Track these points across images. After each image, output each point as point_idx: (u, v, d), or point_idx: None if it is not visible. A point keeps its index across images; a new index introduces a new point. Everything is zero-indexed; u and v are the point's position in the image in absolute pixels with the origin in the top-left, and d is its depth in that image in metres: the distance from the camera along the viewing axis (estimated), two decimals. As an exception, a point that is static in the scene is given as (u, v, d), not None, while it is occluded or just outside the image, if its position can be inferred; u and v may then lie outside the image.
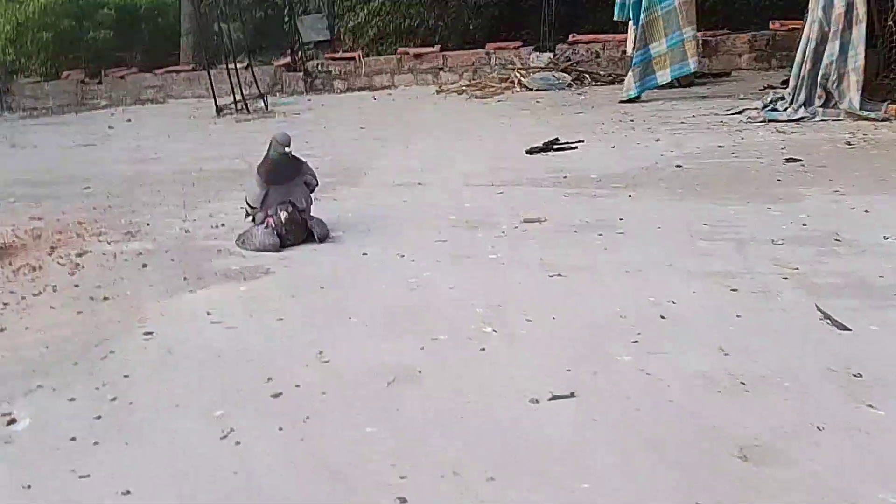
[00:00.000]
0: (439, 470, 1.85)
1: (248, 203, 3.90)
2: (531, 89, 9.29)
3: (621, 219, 3.80)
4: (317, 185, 3.91)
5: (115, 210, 4.82)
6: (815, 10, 5.92)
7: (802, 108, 5.98)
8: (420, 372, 2.36)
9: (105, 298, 3.20)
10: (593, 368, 2.30)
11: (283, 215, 3.62)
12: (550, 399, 2.14)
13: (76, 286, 3.38)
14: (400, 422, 2.09)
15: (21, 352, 2.71)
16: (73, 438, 2.11)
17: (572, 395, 2.15)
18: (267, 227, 3.70)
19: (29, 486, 1.89)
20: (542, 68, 9.85)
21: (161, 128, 8.90)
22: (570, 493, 1.73)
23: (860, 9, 5.65)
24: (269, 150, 3.79)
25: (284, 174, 3.76)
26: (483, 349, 2.49)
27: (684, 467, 1.79)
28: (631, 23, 7.98)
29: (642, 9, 7.54)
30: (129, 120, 9.95)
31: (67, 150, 7.70)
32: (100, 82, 12.66)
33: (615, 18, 8.17)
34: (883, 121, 5.62)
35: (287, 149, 3.71)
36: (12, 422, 2.21)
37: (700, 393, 2.12)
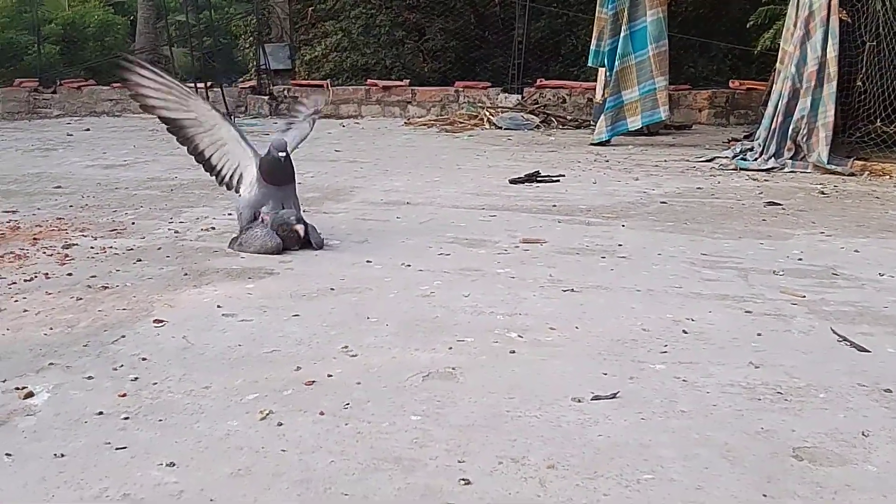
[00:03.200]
0: (497, 457, 1.81)
1: (245, 207, 3.82)
2: (500, 128, 9.43)
3: (620, 245, 3.86)
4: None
5: (94, 209, 4.68)
6: (788, 67, 6.21)
7: (772, 158, 6.21)
8: (454, 369, 2.33)
9: (104, 288, 3.08)
10: (629, 374, 2.31)
11: (301, 228, 3.63)
12: (593, 399, 2.13)
13: (69, 275, 3.25)
14: (445, 412, 2.05)
15: (23, 332, 2.58)
16: (100, 413, 2.00)
17: (615, 395, 2.15)
18: (267, 226, 3.64)
19: (62, 455, 1.78)
20: (510, 108, 10.02)
21: (124, 138, 8.70)
22: (634, 483, 1.72)
23: (832, 68, 5.95)
24: (267, 154, 3.78)
25: (282, 177, 3.79)
26: (513, 351, 2.48)
27: (744, 463, 1.80)
28: (604, 69, 8.22)
29: (616, 57, 7.76)
30: (88, 129, 9.71)
31: (28, 154, 7.44)
32: (54, 92, 12.32)
33: (589, 64, 8.41)
34: (849, 175, 5.88)
35: (282, 154, 3.73)
36: (29, 395, 2.10)
37: (741, 400, 2.14)
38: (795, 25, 6.31)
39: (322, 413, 2.02)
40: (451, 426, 1.97)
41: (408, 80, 11.34)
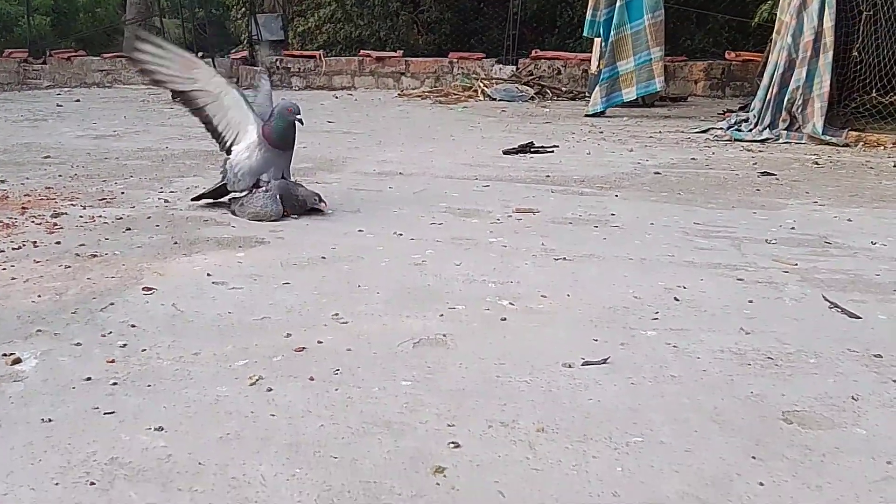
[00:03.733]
0: (487, 421, 1.81)
1: (246, 174, 3.78)
2: (494, 99, 9.39)
3: (613, 214, 3.84)
4: None
5: (83, 179, 4.64)
6: (784, 37, 6.16)
7: (767, 129, 6.19)
8: (444, 336, 2.32)
9: (93, 256, 3.05)
10: (619, 340, 2.30)
11: (315, 198, 3.74)
12: (584, 364, 2.13)
13: (57, 243, 3.23)
14: (435, 378, 2.04)
15: (11, 300, 2.56)
16: (89, 379, 1.99)
17: (606, 361, 2.14)
18: (270, 190, 3.64)
19: (50, 420, 1.77)
20: (504, 80, 9.96)
21: (115, 109, 8.65)
22: (623, 445, 1.72)
23: (828, 38, 5.91)
24: (270, 118, 3.75)
25: (290, 141, 3.80)
26: (504, 318, 2.47)
27: (733, 426, 1.80)
28: (599, 40, 8.16)
29: (612, 27, 7.71)
30: (78, 100, 9.64)
31: (18, 124, 7.38)
32: (44, 62, 12.21)
33: (585, 35, 8.34)
34: (844, 146, 5.86)
35: (299, 116, 3.74)
36: (17, 361, 2.08)
37: (731, 365, 2.14)
38: (793, -6, 6.25)
39: (312, 379, 2.01)
40: (441, 391, 1.96)
41: (402, 52, 11.25)
